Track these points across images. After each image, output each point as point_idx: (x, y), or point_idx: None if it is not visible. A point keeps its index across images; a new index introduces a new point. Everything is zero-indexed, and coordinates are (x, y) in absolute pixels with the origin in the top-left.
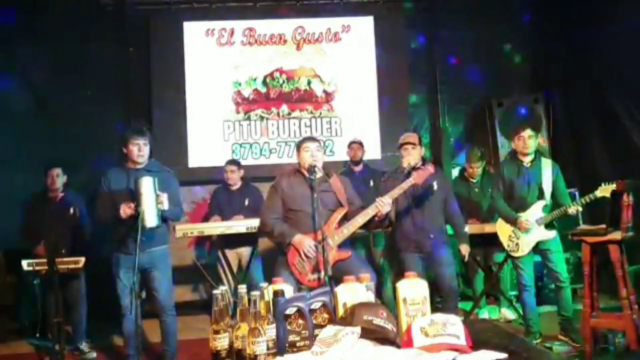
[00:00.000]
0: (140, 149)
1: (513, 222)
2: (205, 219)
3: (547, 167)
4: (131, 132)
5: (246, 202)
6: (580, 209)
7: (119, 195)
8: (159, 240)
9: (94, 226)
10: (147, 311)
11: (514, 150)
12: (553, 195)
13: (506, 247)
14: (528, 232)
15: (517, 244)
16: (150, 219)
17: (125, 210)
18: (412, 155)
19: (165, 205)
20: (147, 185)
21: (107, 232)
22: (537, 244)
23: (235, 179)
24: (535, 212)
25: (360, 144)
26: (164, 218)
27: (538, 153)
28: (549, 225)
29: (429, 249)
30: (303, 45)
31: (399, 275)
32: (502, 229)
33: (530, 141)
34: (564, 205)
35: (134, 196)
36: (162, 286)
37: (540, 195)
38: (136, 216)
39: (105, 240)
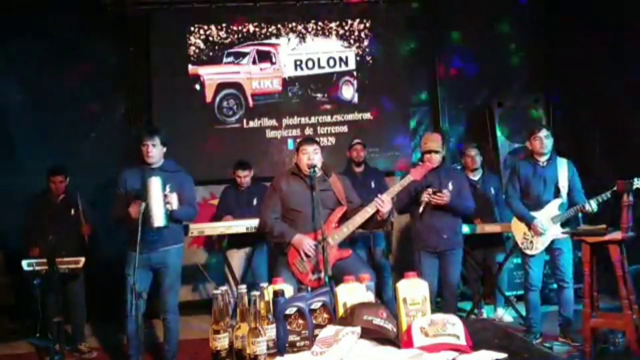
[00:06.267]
0: (148, 149)
1: (528, 223)
2: (213, 218)
3: (562, 166)
4: (142, 132)
5: (254, 202)
6: (595, 207)
7: (134, 194)
8: (173, 239)
9: (95, 226)
10: (149, 311)
11: (530, 150)
12: (569, 193)
13: (520, 245)
14: (543, 234)
15: (531, 242)
16: (158, 219)
17: (135, 208)
18: (435, 160)
19: (174, 206)
20: (154, 185)
21: (108, 233)
22: (550, 242)
23: (247, 182)
24: (551, 211)
25: (363, 145)
26: (175, 218)
27: (554, 152)
28: (564, 224)
29: (442, 249)
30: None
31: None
32: (516, 226)
33: (546, 141)
34: (579, 204)
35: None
36: (170, 286)
37: (557, 194)
38: (143, 215)
39: (106, 242)
